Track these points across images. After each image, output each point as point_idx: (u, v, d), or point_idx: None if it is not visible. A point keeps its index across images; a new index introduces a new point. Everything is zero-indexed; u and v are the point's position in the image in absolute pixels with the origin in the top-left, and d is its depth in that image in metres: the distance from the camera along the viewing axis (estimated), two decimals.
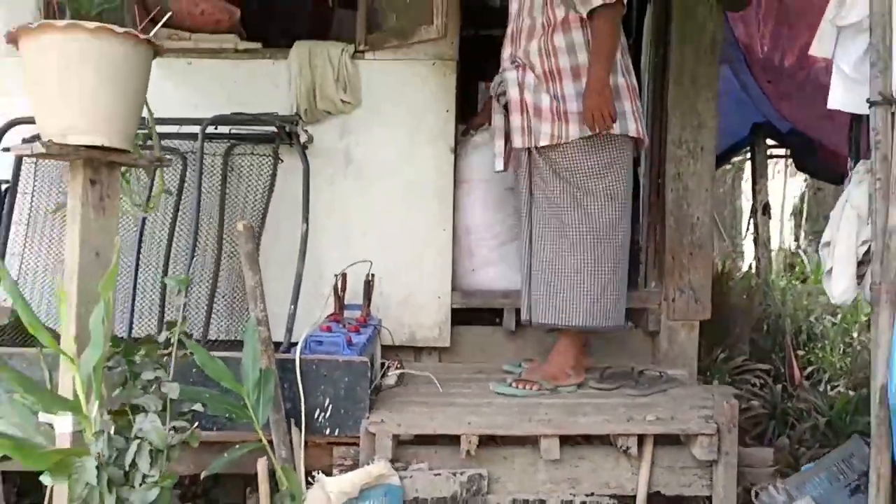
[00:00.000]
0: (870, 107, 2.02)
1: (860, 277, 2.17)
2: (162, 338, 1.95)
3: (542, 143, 2.83)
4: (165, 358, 2.01)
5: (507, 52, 2.96)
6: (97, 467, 1.65)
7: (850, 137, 2.41)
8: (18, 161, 3.17)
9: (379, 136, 3.29)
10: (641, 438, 2.54)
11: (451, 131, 3.29)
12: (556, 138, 2.81)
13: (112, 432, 1.76)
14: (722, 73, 5.64)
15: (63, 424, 1.91)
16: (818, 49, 2.28)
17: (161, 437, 1.72)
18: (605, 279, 2.86)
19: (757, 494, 2.57)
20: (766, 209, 6.01)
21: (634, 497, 2.55)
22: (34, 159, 3.19)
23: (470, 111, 3.81)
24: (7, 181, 3.16)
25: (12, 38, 1.93)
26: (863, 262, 2.13)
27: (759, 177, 6.13)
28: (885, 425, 1.95)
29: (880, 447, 1.98)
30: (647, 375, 3.02)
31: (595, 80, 2.69)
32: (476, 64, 3.77)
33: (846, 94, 2.18)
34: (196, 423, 2.00)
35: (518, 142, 2.88)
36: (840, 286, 2.18)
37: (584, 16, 2.73)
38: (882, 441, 1.97)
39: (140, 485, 1.67)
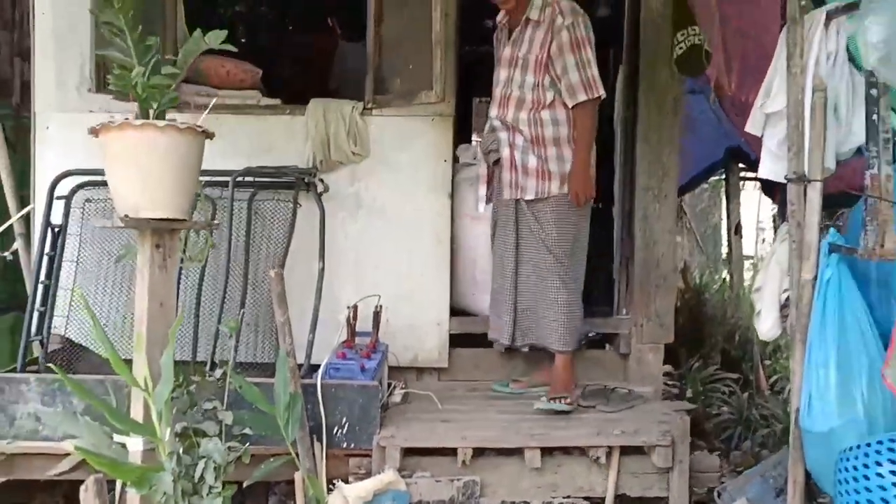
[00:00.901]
0: (786, 182, 2.49)
1: (785, 318, 2.64)
2: (218, 374, 2.41)
3: (528, 197, 3.39)
4: (219, 385, 2.48)
5: (494, 111, 3.48)
6: (173, 481, 2.11)
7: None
8: (68, 207, 3.62)
9: (385, 182, 3.74)
10: (610, 449, 3.01)
11: (449, 179, 3.74)
12: (540, 193, 3.37)
13: (181, 452, 2.22)
14: (697, 100, 6.12)
15: (136, 444, 2.38)
16: (751, 127, 2.76)
17: (222, 456, 2.18)
18: (578, 307, 3.46)
19: (719, 494, 3.04)
20: (738, 229, 6.48)
21: (604, 499, 3.02)
22: (81, 206, 3.65)
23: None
24: (59, 225, 3.61)
25: (95, 132, 2.38)
26: (785, 306, 2.61)
27: (731, 198, 6.59)
28: (799, 441, 2.42)
29: (796, 459, 2.45)
30: (618, 393, 3.49)
31: (579, 165, 3.31)
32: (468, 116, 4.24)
33: (773, 166, 2.65)
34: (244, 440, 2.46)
35: (507, 194, 3.45)
36: (766, 325, 2.65)
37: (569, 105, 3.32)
38: (797, 454, 2.44)
39: (207, 495, 2.13)
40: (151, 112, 2.36)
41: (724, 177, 7.05)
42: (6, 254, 3.86)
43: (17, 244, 3.85)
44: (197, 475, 2.14)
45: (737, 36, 4.31)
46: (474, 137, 4.09)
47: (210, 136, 2.53)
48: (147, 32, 3.56)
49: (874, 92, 2.18)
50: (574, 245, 3.43)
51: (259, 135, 3.78)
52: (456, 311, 3.84)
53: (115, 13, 2.22)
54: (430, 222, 3.75)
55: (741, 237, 6.50)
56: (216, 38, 2.34)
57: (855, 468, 2.04)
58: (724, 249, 7.38)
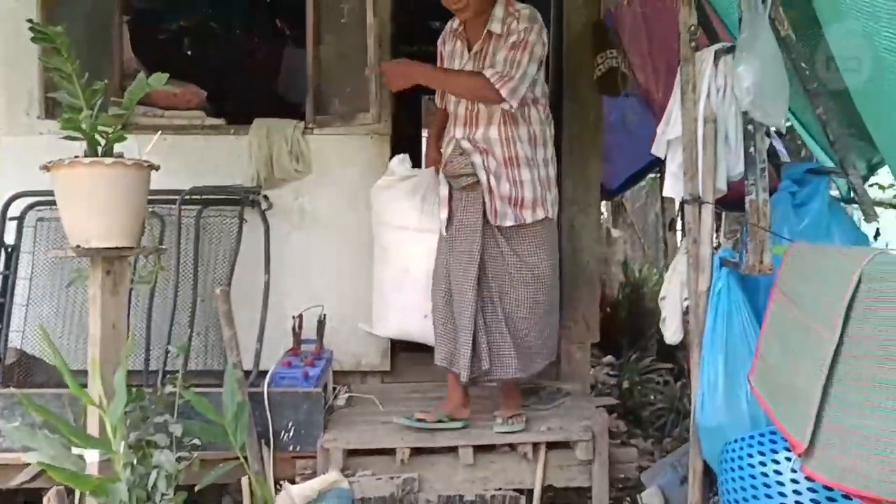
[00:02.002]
0: (683, 203, 2.77)
1: (686, 323, 2.92)
2: (168, 390, 2.61)
3: (507, 224, 3.20)
4: (170, 399, 2.68)
5: (461, 131, 3.25)
6: (128, 490, 2.31)
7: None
8: (20, 227, 3.76)
9: (327, 197, 3.96)
10: (537, 445, 3.27)
11: None
12: (516, 220, 3.20)
13: (135, 462, 2.42)
14: (632, 102, 6.42)
15: (92, 456, 2.57)
16: (655, 150, 3.03)
17: (173, 465, 2.39)
18: (552, 326, 3.40)
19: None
20: (672, 225, 6.80)
21: (532, 490, 3.29)
22: (34, 226, 3.80)
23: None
24: (11, 245, 3.75)
25: (46, 167, 2.56)
26: (686, 313, 2.89)
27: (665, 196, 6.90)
28: (697, 435, 2.71)
29: (695, 450, 2.74)
30: (548, 391, 3.76)
31: (418, 65, 3.18)
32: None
33: (673, 186, 2.92)
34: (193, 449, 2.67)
35: (478, 220, 3.20)
36: (670, 330, 2.94)
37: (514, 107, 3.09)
38: (695, 448, 2.73)
39: (160, 501, 2.34)
40: (99, 149, 2.54)
41: (659, 175, 7.38)
42: None
43: None
44: (150, 484, 2.35)
45: (662, 48, 4.61)
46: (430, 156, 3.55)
47: (155, 168, 2.72)
48: (93, 58, 3.75)
49: (750, 128, 2.46)
50: (555, 268, 3.33)
51: (204, 153, 3.96)
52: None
53: (63, 61, 2.39)
54: (371, 233, 3.96)
55: (675, 233, 6.82)
56: (158, 80, 2.52)
57: (736, 458, 2.33)
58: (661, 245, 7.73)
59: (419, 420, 3.28)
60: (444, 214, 3.33)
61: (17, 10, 3.81)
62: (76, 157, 2.49)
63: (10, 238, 3.74)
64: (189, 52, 5.76)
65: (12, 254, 3.74)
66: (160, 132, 3.00)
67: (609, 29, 3.89)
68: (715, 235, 2.83)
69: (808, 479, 1.84)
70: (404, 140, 4.82)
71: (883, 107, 1.96)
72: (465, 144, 3.23)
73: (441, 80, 3.29)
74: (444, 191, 3.33)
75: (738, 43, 2.40)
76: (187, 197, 3.71)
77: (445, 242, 3.35)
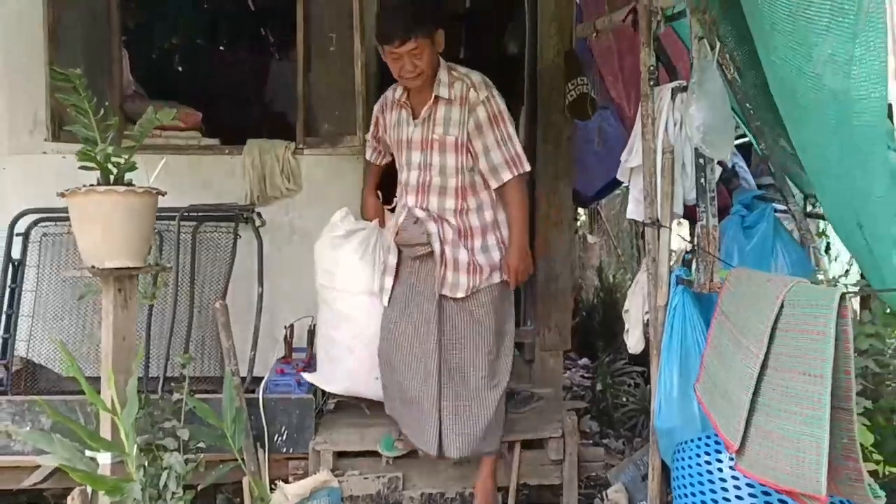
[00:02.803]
0: (644, 225, 3.05)
1: (647, 334, 3.21)
2: (175, 398, 2.86)
3: (459, 295, 3.11)
4: (176, 405, 2.93)
5: (412, 199, 3.18)
6: (142, 489, 2.56)
7: None
8: (26, 242, 3.99)
9: (316, 212, 4.18)
10: (512, 444, 3.55)
11: None
12: (471, 289, 3.12)
13: (146, 464, 2.67)
14: (606, 115, 6.71)
15: (105, 458, 2.82)
16: (620, 176, 3.31)
17: (182, 467, 2.64)
18: (505, 402, 3.31)
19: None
20: (643, 234, 7.10)
21: (508, 487, 3.56)
22: (39, 241, 4.03)
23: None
24: (18, 259, 3.98)
25: (63, 195, 2.80)
26: (647, 325, 3.18)
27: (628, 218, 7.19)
28: (655, 436, 3.00)
29: (654, 450, 3.03)
30: (523, 395, 4.04)
31: (519, 243, 3.11)
32: None
33: (635, 209, 3.21)
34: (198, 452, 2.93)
35: (431, 290, 3.12)
36: (633, 340, 3.22)
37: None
38: (654, 448, 3.01)
39: (170, 499, 2.58)
40: (111, 177, 2.78)
41: None
42: None
43: None
44: (161, 483, 2.60)
45: (633, 68, 4.91)
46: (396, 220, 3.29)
47: (162, 194, 2.97)
48: (93, 79, 3.98)
49: (701, 161, 2.74)
50: (506, 330, 3.24)
51: (200, 171, 4.20)
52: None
53: (81, 99, 2.63)
54: None
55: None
56: (166, 116, 2.78)
57: (686, 458, 2.61)
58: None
59: (396, 448, 3.46)
60: (389, 283, 3.24)
61: (20, 37, 4.04)
62: (91, 185, 2.73)
63: (16, 253, 3.96)
64: (180, 69, 5.98)
65: (19, 268, 3.96)
66: (164, 159, 3.23)
67: (580, 57, 4.16)
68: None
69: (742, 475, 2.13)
70: None
71: (807, 135, 2.25)
72: (419, 213, 3.15)
73: (524, 224, 3.18)
74: (393, 259, 3.23)
75: (690, 85, 2.68)
76: (184, 213, 3.96)
77: (394, 312, 3.21)
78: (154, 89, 4.66)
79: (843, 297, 1.75)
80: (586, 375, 6.79)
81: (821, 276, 2.59)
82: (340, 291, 3.40)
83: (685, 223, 3.84)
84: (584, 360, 7.14)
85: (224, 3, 6.21)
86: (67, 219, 3.38)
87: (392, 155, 3.43)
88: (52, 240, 4.07)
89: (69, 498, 2.69)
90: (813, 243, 2.78)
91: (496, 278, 3.16)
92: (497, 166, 3.08)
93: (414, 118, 3.18)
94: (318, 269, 3.50)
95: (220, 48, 6.32)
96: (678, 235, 3.05)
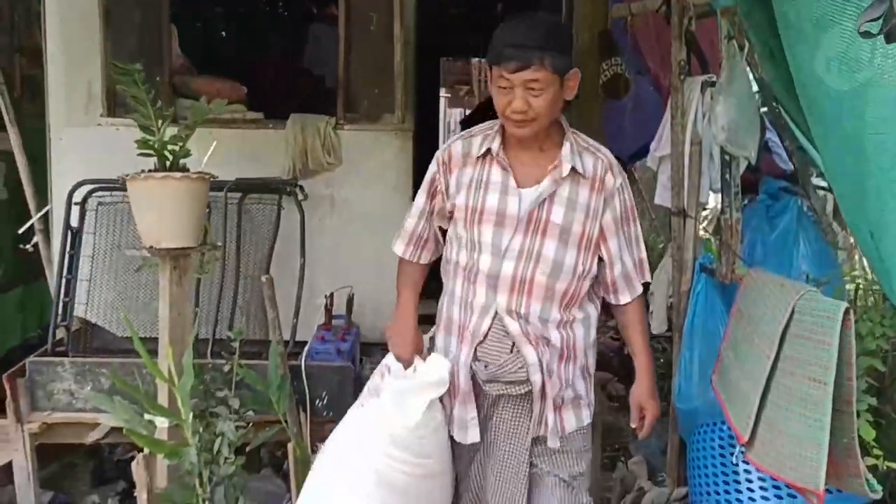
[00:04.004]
0: (671, 215, 3.18)
1: (671, 318, 3.36)
2: (227, 367, 3.10)
3: (555, 445, 2.30)
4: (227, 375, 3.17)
5: (504, 299, 2.24)
6: (196, 454, 2.80)
7: None
8: (83, 211, 4.22)
9: (355, 186, 4.38)
10: None
11: (409, 183, 4.38)
12: (569, 432, 2.33)
13: (201, 431, 2.91)
14: (642, 81, 6.75)
15: (162, 422, 3.06)
16: (650, 163, 3.43)
17: (234, 433, 2.88)
18: None
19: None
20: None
21: None
22: (95, 209, 4.25)
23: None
24: (75, 227, 4.22)
25: (123, 181, 3.00)
26: (671, 308, 3.33)
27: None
28: (675, 414, 3.17)
29: (673, 429, 3.21)
30: None
31: (650, 380, 2.37)
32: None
33: (663, 194, 3.34)
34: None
35: (530, 433, 2.29)
36: (657, 322, 3.38)
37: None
38: (673, 425, 3.19)
39: (223, 463, 2.83)
40: (168, 163, 2.97)
41: None
42: (28, 246, 4.46)
43: (38, 238, 4.45)
44: (215, 449, 2.84)
45: (669, 44, 4.98)
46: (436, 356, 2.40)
47: (214, 177, 3.15)
48: (145, 53, 4.15)
49: (726, 157, 2.85)
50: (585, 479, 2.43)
51: (245, 144, 4.37)
52: None
53: (139, 90, 2.81)
54: (393, 220, 4.36)
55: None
56: (220, 106, 2.95)
57: (705, 440, 2.79)
58: None
59: None
60: (473, 414, 2.33)
61: (73, 11, 4.22)
62: (150, 170, 2.92)
63: (74, 221, 4.20)
64: (224, 35, 6.12)
65: (77, 235, 4.20)
66: (214, 143, 3.40)
67: (614, 38, 4.24)
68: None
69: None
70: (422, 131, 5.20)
71: (825, 140, 2.35)
72: (512, 325, 2.24)
73: (651, 351, 2.45)
74: (466, 384, 2.32)
75: (717, 84, 2.79)
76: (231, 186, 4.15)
77: (471, 454, 2.39)
78: (200, 62, 4.81)
79: (847, 311, 1.89)
80: (614, 337, 6.95)
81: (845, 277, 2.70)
82: (408, 465, 2.33)
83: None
84: (614, 322, 7.28)
85: None
86: (122, 189, 3.62)
87: (441, 237, 2.48)
88: (107, 209, 4.29)
89: (134, 462, 2.95)
90: (835, 237, 2.89)
91: (587, 417, 2.38)
92: (629, 276, 2.32)
93: (518, 184, 2.24)
94: (386, 427, 2.36)
95: (262, 14, 6.43)
96: (702, 229, 3.17)
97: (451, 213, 2.34)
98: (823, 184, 3.33)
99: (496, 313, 2.25)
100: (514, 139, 2.25)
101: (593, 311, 2.37)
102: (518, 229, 2.23)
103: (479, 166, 2.29)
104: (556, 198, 2.22)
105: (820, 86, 2.20)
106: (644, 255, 2.37)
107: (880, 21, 1.52)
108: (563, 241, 2.23)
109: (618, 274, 2.32)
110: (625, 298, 2.36)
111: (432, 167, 2.39)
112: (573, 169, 2.20)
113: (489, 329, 2.27)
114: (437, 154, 2.39)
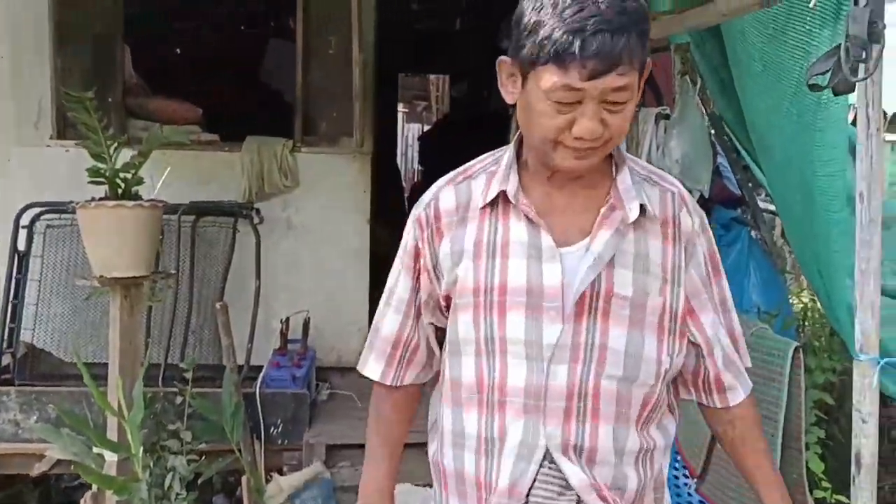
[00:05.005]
0: None
1: None
2: (178, 400, 3.04)
3: None
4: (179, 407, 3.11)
5: (556, 429, 1.36)
6: (147, 489, 2.74)
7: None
8: (30, 234, 4.12)
9: (313, 208, 4.35)
10: None
11: (368, 206, 4.37)
12: None
13: (152, 465, 2.85)
14: None
15: (111, 456, 3.00)
16: None
17: (185, 468, 2.83)
18: None
19: None
20: None
21: None
22: (43, 232, 4.16)
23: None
24: (22, 251, 4.11)
25: (74, 209, 2.93)
26: None
27: None
28: None
29: None
30: None
31: None
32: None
33: None
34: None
35: None
36: None
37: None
38: None
39: (175, 499, 2.77)
40: (120, 191, 2.92)
41: None
42: None
43: None
44: (166, 485, 2.79)
45: None
46: None
47: (167, 205, 3.11)
48: (98, 77, 4.07)
49: None
50: None
51: (200, 167, 4.32)
52: None
53: (90, 118, 2.76)
54: (351, 241, 4.38)
55: None
56: (175, 134, 2.92)
57: None
58: None
59: None
60: None
61: (25, 30, 4.13)
62: (101, 198, 2.87)
63: (21, 244, 4.09)
64: (179, 54, 6.04)
65: (24, 258, 4.10)
66: (168, 168, 3.35)
67: None
68: None
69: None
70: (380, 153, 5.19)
71: (775, 175, 2.40)
72: (577, 476, 1.37)
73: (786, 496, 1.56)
74: None
75: (672, 118, 2.83)
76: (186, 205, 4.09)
77: None
78: (154, 82, 4.74)
79: (797, 349, 1.92)
80: None
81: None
82: None
83: None
84: None
85: None
86: (70, 212, 3.54)
87: (437, 343, 1.55)
88: (56, 231, 4.19)
89: (82, 500, 2.88)
90: (784, 262, 2.95)
91: None
92: (732, 361, 1.48)
93: (556, 241, 1.38)
94: None
95: (218, 33, 6.35)
96: None
97: (448, 300, 1.44)
98: (772, 207, 3.40)
99: (546, 455, 1.36)
100: (542, 174, 1.38)
101: (672, 428, 1.49)
102: (566, 313, 1.34)
103: (487, 221, 1.40)
104: (617, 256, 1.35)
105: (770, 127, 2.25)
106: (738, 322, 1.50)
107: (828, 74, 1.56)
108: (635, 323, 1.36)
109: (721, 362, 1.45)
110: (735, 397, 1.48)
111: (410, 232, 1.47)
112: (642, 209, 1.36)
113: (533, 483, 1.37)
114: (416, 212, 1.46)
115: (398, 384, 1.55)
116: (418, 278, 1.48)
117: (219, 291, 4.06)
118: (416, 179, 11.09)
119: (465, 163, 1.47)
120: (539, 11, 1.25)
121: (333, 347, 4.42)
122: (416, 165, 12.10)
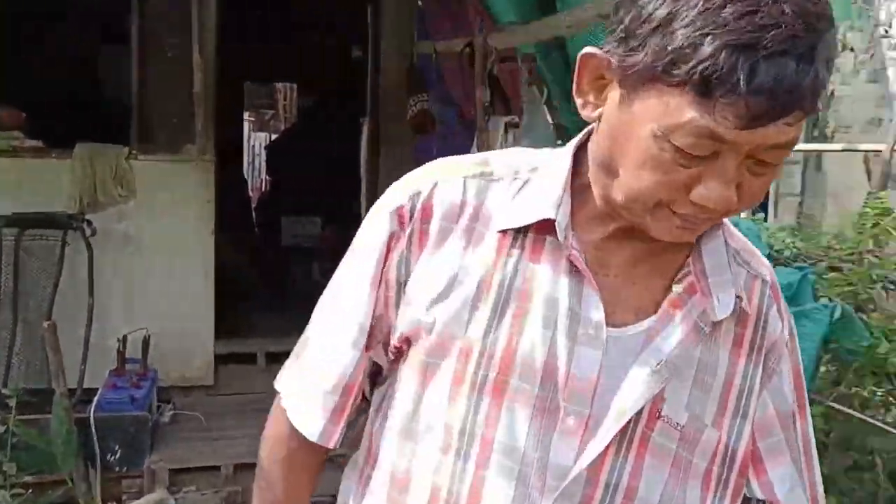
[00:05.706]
0: None
1: None
2: (1, 430, 2.76)
3: None
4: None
5: None
6: None
7: None
8: None
9: (153, 220, 4.10)
10: None
11: (212, 217, 4.18)
12: None
13: None
14: (449, 111, 6.91)
15: None
16: None
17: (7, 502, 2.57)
18: None
19: None
20: None
21: None
22: None
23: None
24: None
25: None
26: None
27: None
28: None
29: None
30: None
31: None
32: None
33: None
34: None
35: None
36: None
37: None
38: None
39: None
40: None
41: None
42: None
43: None
44: None
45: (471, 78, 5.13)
46: None
47: None
48: None
49: None
50: None
51: (24, 175, 3.98)
52: None
53: None
54: (194, 254, 4.18)
55: None
56: None
57: None
58: None
59: None
60: None
61: None
62: None
63: None
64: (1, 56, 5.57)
65: None
66: None
67: (421, 73, 4.29)
68: None
69: None
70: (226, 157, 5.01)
71: None
72: None
73: None
74: None
75: (522, 126, 2.88)
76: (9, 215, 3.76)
77: None
78: None
79: None
80: None
81: None
82: None
83: None
84: None
85: None
86: None
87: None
88: None
89: None
90: None
91: None
92: None
93: (608, 320, 0.88)
94: None
95: (47, 33, 5.91)
96: None
97: (404, 347, 0.93)
98: None
99: None
100: (604, 213, 0.89)
101: None
102: (591, 426, 0.86)
103: (505, 253, 0.90)
104: (676, 362, 0.88)
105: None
106: (821, 479, 1.00)
107: None
108: (679, 464, 0.90)
109: None
110: None
111: (380, 225, 0.93)
112: (738, 300, 0.91)
113: None
114: (393, 199, 0.94)
115: (336, 447, 0.99)
116: (379, 286, 0.94)
117: (46, 309, 3.75)
118: (263, 189, 10.78)
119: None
120: (664, 16, 0.74)
121: (175, 366, 4.19)
122: (264, 175, 11.78)
